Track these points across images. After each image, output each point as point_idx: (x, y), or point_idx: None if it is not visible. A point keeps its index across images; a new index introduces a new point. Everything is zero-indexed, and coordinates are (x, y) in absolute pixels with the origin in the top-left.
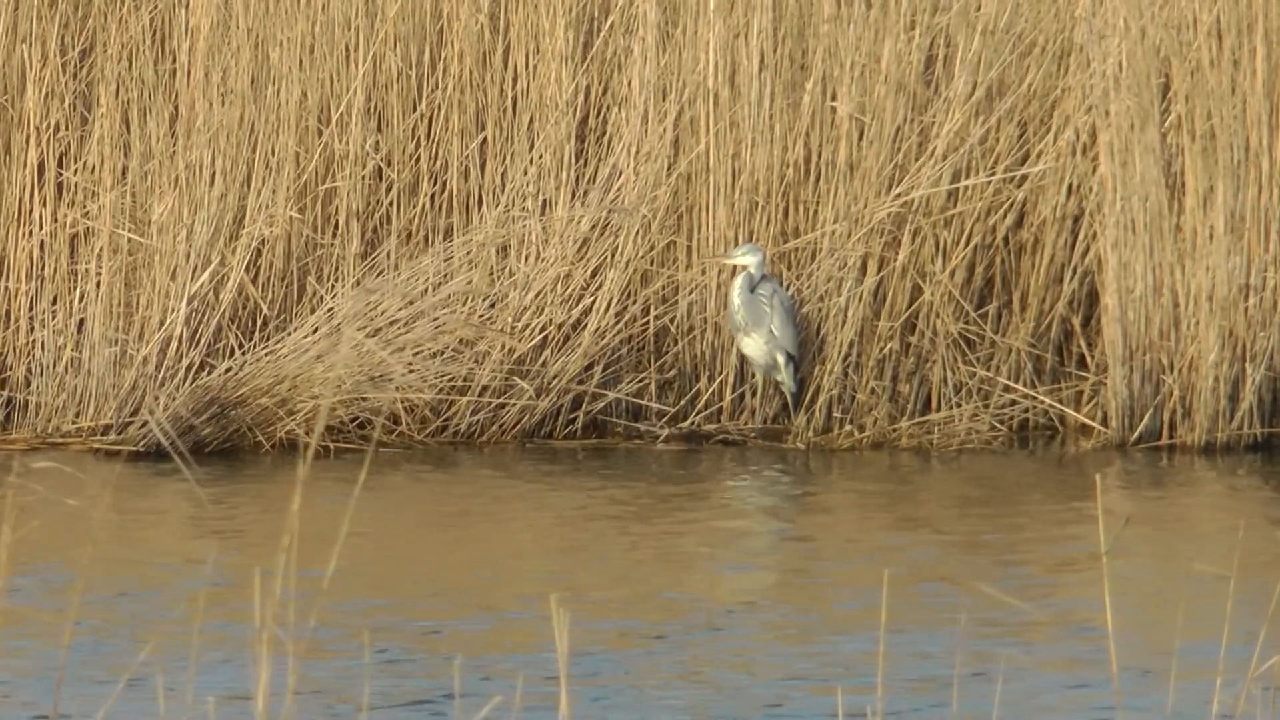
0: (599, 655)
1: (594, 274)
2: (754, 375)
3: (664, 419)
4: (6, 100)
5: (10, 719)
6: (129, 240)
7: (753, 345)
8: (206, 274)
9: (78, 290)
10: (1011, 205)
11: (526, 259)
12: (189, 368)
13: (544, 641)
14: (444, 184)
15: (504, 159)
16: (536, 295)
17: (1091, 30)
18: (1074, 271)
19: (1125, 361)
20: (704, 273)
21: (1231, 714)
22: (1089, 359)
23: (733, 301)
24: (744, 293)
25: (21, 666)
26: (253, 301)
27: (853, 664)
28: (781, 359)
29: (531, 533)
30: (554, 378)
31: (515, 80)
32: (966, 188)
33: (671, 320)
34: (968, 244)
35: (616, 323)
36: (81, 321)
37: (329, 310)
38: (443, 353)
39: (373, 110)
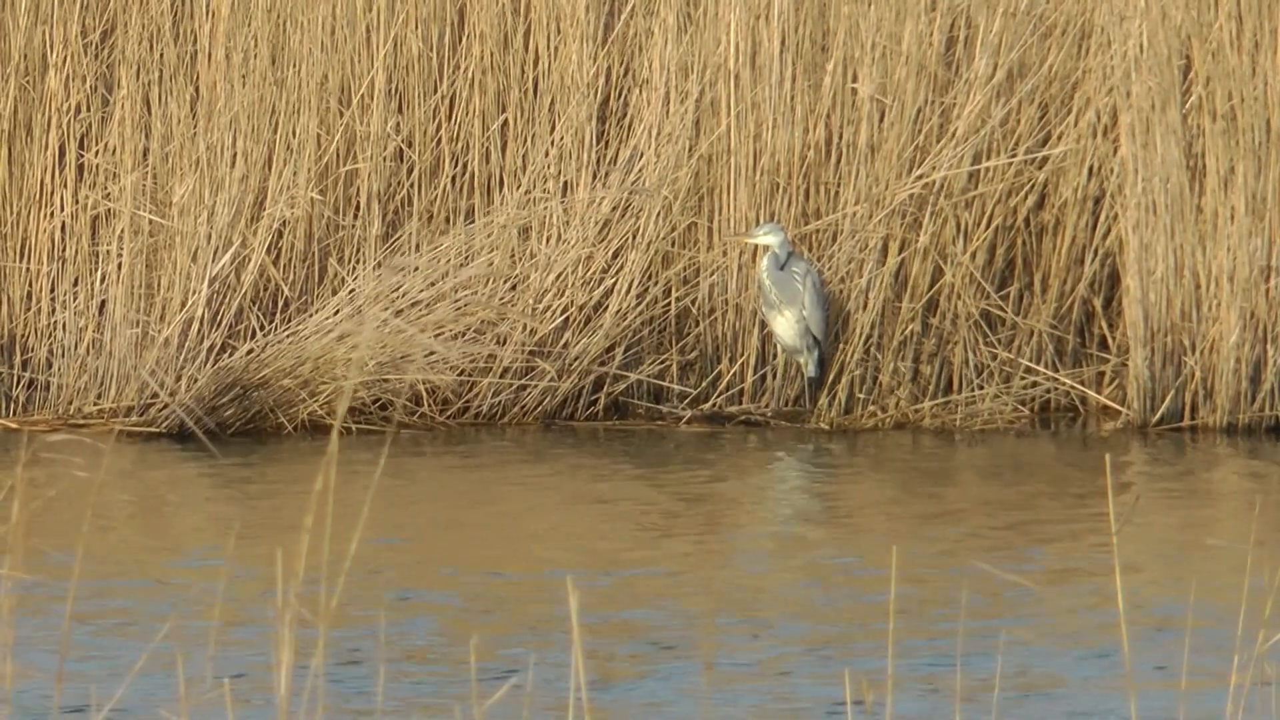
0: (614, 635)
1: (615, 255)
2: (775, 356)
3: (685, 400)
4: (28, 82)
5: (31, 696)
6: (150, 222)
7: (783, 324)
8: (228, 255)
9: (99, 272)
10: (1032, 187)
11: (548, 240)
12: (210, 349)
13: (560, 622)
14: (465, 165)
15: (525, 140)
16: (558, 277)
17: (1112, 11)
18: (1095, 253)
19: (1146, 343)
20: (725, 254)
21: (1245, 688)
22: (1110, 340)
23: (763, 280)
24: (773, 271)
25: (40, 644)
26: (274, 283)
27: (866, 646)
28: (807, 342)
29: (551, 513)
30: (575, 359)
31: (536, 62)
32: (987, 169)
33: (693, 301)
34: (989, 225)
35: (638, 304)
36: (103, 303)
37: (350, 291)
38: (464, 334)
39: (394, 92)
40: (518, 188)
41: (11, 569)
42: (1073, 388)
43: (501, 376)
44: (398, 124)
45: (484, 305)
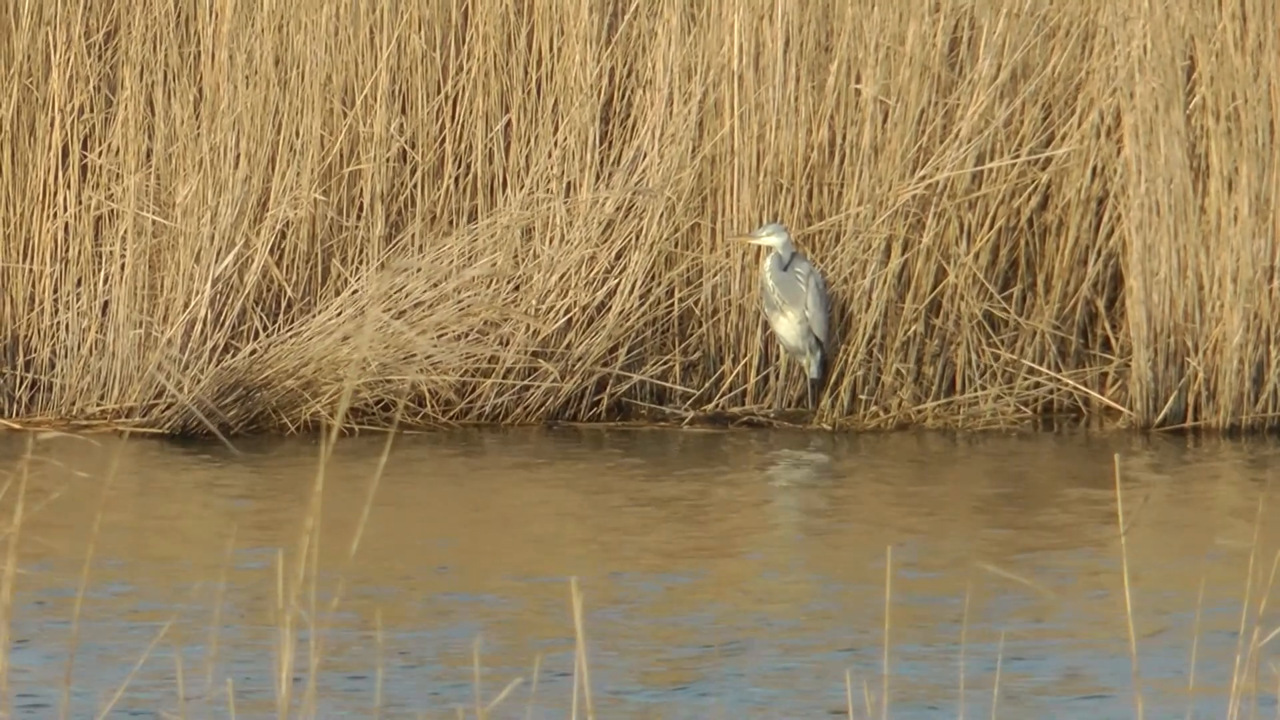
0: (618, 638)
1: (618, 256)
2: (778, 357)
3: (688, 401)
4: (31, 83)
5: (29, 696)
6: (153, 223)
7: (786, 325)
8: (231, 256)
9: (102, 273)
10: (1036, 187)
11: (551, 241)
12: (213, 350)
13: (564, 624)
14: (468, 166)
15: (528, 141)
16: (561, 277)
17: (1116, 12)
18: (1098, 254)
19: (1149, 344)
20: (728, 255)
21: (1248, 691)
22: (1113, 341)
23: (766, 281)
24: (776, 272)
25: (39, 645)
26: (277, 284)
27: (868, 647)
28: (810, 343)
29: (554, 514)
30: (578, 360)
31: (540, 62)
32: (991, 170)
33: (696, 302)
34: (992, 226)
35: (641, 305)
36: (106, 304)
37: (353, 292)
38: (467, 335)
39: (397, 93)
40: (521, 188)
41: (14, 569)
42: (1075, 389)
43: (504, 377)
44: (401, 125)
45: (487, 306)
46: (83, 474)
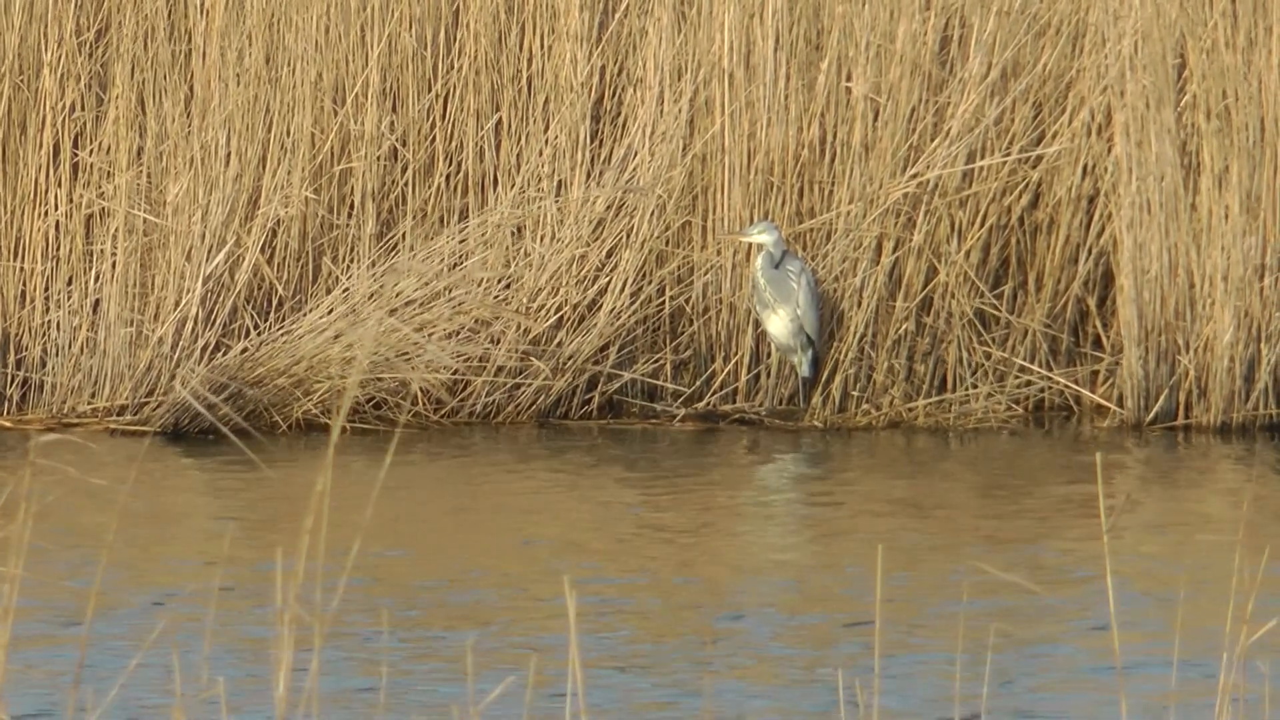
0: (612, 636)
1: (609, 254)
2: (769, 355)
3: (679, 399)
4: (22, 80)
5: (24, 696)
6: (144, 221)
7: (778, 323)
8: (222, 254)
9: (93, 271)
10: (1027, 186)
11: (542, 240)
12: (204, 348)
13: (558, 622)
14: (459, 164)
15: (519, 140)
16: (552, 276)
17: (1107, 10)
18: (1089, 252)
19: (1141, 342)
20: (719, 253)
21: (1233, 691)
22: (1104, 339)
23: (757, 279)
24: (768, 270)
25: (36, 644)
26: (268, 282)
27: (860, 645)
28: (801, 341)
29: (546, 512)
30: (569, 358)
31: (530, 61)
32: (982, 168)
33: (687, 300)
34: (983, 224)
35: (632, 303)
36: (97, 302)
37: (345, 291)
38: (458, 333)
39: (388, 91)
40: (512, 187)
41: (13, 569)
42: (1067, 387)
43: (496, 375)
44: (392, 123)
45: (478, 304)
46: (91, 477)
